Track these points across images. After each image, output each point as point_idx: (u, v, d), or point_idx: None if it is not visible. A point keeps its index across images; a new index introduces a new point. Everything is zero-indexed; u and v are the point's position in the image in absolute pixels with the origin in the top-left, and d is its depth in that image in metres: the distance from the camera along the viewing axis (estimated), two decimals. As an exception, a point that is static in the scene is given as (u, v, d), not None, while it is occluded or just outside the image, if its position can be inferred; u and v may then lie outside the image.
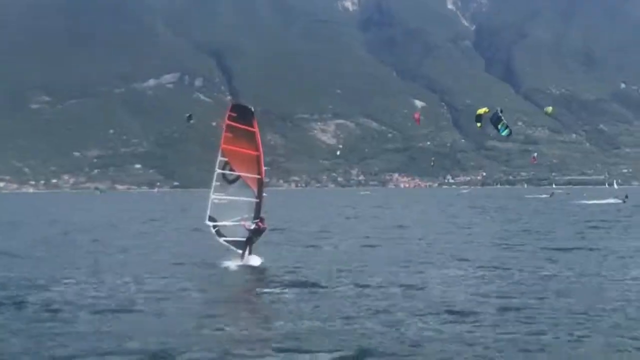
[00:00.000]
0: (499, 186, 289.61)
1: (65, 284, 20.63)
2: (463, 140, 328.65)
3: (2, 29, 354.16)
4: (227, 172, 24.76)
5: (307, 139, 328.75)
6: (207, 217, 24.71)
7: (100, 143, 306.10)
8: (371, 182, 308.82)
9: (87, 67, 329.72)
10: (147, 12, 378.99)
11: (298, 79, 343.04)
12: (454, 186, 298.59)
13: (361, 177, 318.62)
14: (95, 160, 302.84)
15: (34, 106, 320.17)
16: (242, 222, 24.61)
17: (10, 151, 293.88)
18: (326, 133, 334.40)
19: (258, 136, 24.93)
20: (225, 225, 24.97)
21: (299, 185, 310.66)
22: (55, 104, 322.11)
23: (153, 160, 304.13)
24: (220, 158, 24.64)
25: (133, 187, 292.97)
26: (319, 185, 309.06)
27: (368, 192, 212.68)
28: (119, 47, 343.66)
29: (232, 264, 24.63)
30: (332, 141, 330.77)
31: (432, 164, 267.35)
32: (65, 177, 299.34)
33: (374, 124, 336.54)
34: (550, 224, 48.16)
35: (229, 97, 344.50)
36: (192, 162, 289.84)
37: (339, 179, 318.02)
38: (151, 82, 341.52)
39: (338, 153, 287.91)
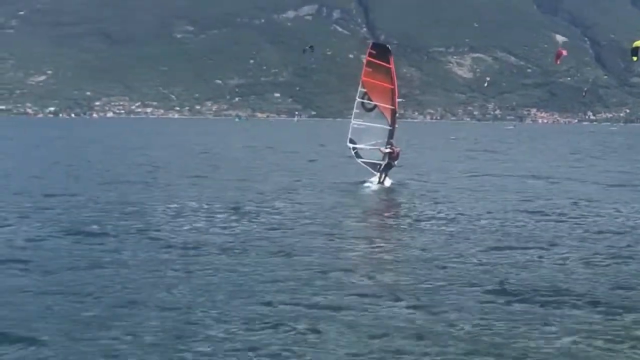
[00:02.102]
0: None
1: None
2: (605, 77, 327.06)
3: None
4: (365, 101, 30.23)
5: (443, 72, 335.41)
6: (348, 140, 30.34)
7: (240, 72, 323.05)
8: (508, 117, 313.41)
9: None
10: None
11: (434, 12, 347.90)
12: (594, 123, 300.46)
13: (497, 112, 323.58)
14: (236, 88, 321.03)
15: (179, 35, 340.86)
16: (383, 148, 29.35)
17: (156, 78, 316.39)
18: (462, 67, 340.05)
19: (393, 72, 30.56)
20: (362, 148, 30.13)
21: (434, 117, 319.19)
22: (198, 33, 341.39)
23: (291, 89, 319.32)
24: (360, 89, 30.18)
25: (272, 115, 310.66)
26: (454, 118, 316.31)
27: (512, 127, 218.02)
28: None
29: (372, 185, 28.96)
30: (468, 75, 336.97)
31: (583, 95, 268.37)
32: (208, 104, 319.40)
33: (512, 59, 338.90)
34: None
35: (364, 30, 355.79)
36: (329, 92, 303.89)
37: (475, 112, 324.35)
38: (290, 13, 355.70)
39: (486, 85, 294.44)
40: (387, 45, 32.55)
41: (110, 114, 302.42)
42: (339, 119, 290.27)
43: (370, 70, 30.19)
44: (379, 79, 30.24)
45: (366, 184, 29.07)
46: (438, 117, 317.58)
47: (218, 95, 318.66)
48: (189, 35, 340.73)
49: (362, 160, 30.35)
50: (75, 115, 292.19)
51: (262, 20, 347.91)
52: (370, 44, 32.21)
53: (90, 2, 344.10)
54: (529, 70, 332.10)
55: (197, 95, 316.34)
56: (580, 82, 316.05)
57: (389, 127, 30.29)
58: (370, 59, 30.24)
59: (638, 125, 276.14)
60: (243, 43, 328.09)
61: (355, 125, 30.03)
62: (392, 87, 30.49)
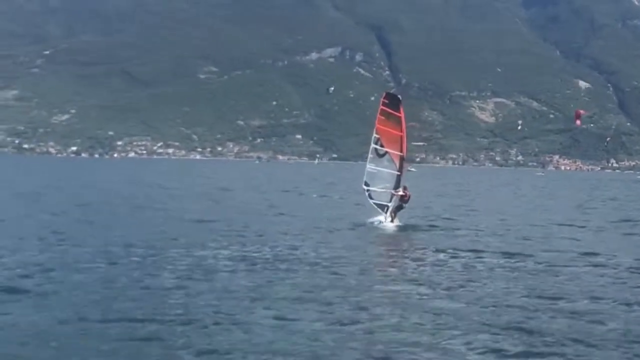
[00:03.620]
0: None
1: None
2: (629, 124, 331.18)
3: (172, 2, 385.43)
4: (378, 147, 33.55)
5: (465, 116, 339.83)
6: (364, 182, 34.39)
7: (263, 113, 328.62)
8: (530, 163, 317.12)
9: (252, 40, 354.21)
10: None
11: (457, 55, 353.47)
12: (617, 170, 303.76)
13: (520, 158, 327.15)
14: (258, 129, 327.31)
15: (202, 76, 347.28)
16: (395, 191, 33.14)
17: (178, 118, 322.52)
18: (484, 111, 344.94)
19: (403, 120, 33.30)
20: (375, 190, 33.80)
21: (456, 162, 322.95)
22: (221, 74, 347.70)
23: (313, 131, 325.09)
24: (374, 135, 33.73)
25: (294, 157, 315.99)
26: (476, 163, 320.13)
27: (542, 174, 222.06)
28: (282, 22, 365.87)
29: (382, 220, 33.38)
30: (491, 120, 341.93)
31: (605, 144, 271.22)
32: (230, 145, 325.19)
33: (535, 104, 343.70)
34: None
35: (387, 72, 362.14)
36: (350, 135, 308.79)
37: (497, 158, 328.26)
38: (313, 55, 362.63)
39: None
40: (399, 96, 35.59)
41: (132, 154, 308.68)
42: (360, 162, 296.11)
43: (383, 118, 33.75)
44: (391, 126, 33.64)
45: (374, 222, 33.60)
46: (460, 162, 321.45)
47: (240, 137, 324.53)
48: (212, 76, 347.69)
49: (373, 201, 34.15)
50: (98, 155, 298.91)
51: (285, 62, 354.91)
52: (384, 94, 35.88)
53: (113, 42, 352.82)
54: (551, 116, 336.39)
55: (219, 136, 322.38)
56: (603, 129, 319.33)
57: (397, 173, 33.46)
58: (384, 107, 33.80)
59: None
60: (266, 84, 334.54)
61: (369, 169, 34.01)
62: (402, 134, 33.55)
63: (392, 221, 33.38)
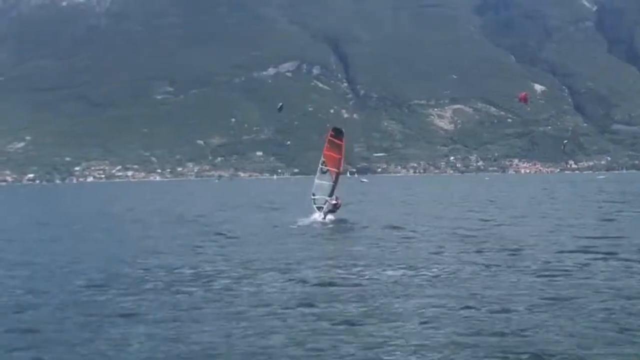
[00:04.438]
0: (624, 171, 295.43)
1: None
2: (586, 125, 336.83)
3: (125, 22, 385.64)
4: (323, 166, 43.69)
5: (424, 124, 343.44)
6: (312, 193, 44.29)
7: (222, 131, 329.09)
8: (490, 168, 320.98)
9: (208, 58, 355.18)
10: (264, 2, 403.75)
11: (413, 64, 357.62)
12: (577, 171, 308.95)
13: (480, 163, 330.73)
14: (218, 148, 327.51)
15: (158, 97, 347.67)
16: (330, 199, 43.22)
17: (137, 141, 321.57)
18: (443, 119, 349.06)
19: (343, 147, 43.79)
20: (317, 198, 43.85)
21: (417, 171, 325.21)
22: (177, 94, 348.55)
23: (274, 147, 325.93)
24: (322, 158, 43.90)
25: (255, 174, 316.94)
26: (437, 171, 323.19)
27: (487, 178, 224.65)
28: (238, 38, 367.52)
29: (317, 218, 42.69)
30: (450, 127, 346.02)
31: (563, 147, 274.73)
32: (190, 165, 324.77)
33: (492, 109, 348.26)
34: None
35: (345, 84, 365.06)
36: (311, 149, 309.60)
37: (458, 164, 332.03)
38: (270, 70, 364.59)
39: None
40: (342, 129, 45.31)
41: (90, 179, 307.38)
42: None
43: (329, 146, 43.89)
44: (333, 152, 43.86)
45: (312, 218, 42.69)
46: (421, 171, 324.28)
47: (200, 156, 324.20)
48: (168, 96, 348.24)
49: (316, 205, 43.71)
50: (59, 181, 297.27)
51: (242, 78, 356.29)
52: (331, 128, 45.93)
53: (67, 66, 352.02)
54: (509, 121, 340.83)
55: (178, 156, 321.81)
56: (561, 131, 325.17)
57: (332, 184, 43.29)
58: (330, 138, 43.96)
59: (625, 173, 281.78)
60: (223, 102, 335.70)
61: (316, 182, 43.83)
62: (340, 157, 43.85)
63: (324, 219, 42.69)
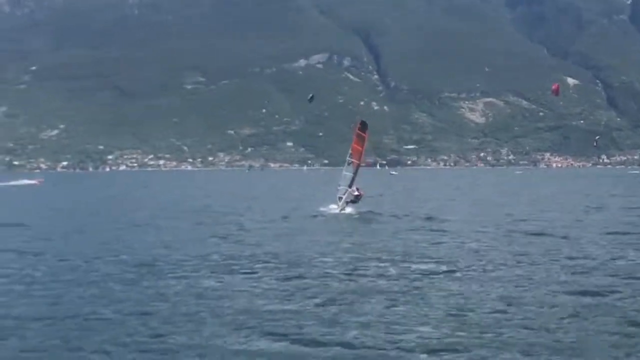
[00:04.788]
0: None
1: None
2: (619, 119, 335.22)
3: (158, 12, 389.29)
4: (349, 158, 44.97)
5: (455, 117, 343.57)
6: (339, 183, 45.66)
7: (252, 122, 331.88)
8: (521, 162, 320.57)
9: (239, 49, 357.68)
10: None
11: (445, 57, 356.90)
12: (608, 166, 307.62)
13: (511, 157, 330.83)
14: (248, 138, 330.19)
15: (189, 87, 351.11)
16: (350, 190, 44.32)
17: (169, 130, 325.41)
18: (474, 112, 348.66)
19: (366, 140, 44.75)
20: (340, 188, 45.10)
21: (448, 164, 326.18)
22: (209, 84, 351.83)
23: (304, 138, 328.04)
24: (350, 152, 44.93)
25: (285, 164, 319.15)
26: (467, 164, 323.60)
27: (520, 172, 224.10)
28: (269, 29, 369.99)
29: (336, 207, 44.35)
30: (481, 120, 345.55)
31: (595, 142, 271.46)
32: (221, 154, 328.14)
33: (524, 103, 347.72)
34: None
35: (376, 77, 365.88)
36: (341, 141, 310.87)
37: (489, 158, 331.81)
38: (301, 62, 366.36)
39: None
40: (366, 122, 46.45)
41: (122, 167, 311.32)
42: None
43: (356, 139, 45.25)
44: (357, 143, 45.07)
45: (330, 208, 44.70)
46: (452, 164, 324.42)
47: (231, 146, 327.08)
48: (200, 87, 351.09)
49: (338, 195, 45.16)
50: (82, 170, 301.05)
51: (274, 69, 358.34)
52: (359, 121, 46.87)
53: (100, 56, 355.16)
54: (541, 114, 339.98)
55: (209, 146, 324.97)
56: (593, 125, 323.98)
57: (352, 175, 44.45)
58: (358, 131, 45.43)
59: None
60: (255, 92, 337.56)
61: (344, 174, 45.03)
62: (362, 149, 44.86)
63: (343, 210, 44.16)
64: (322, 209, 45.34)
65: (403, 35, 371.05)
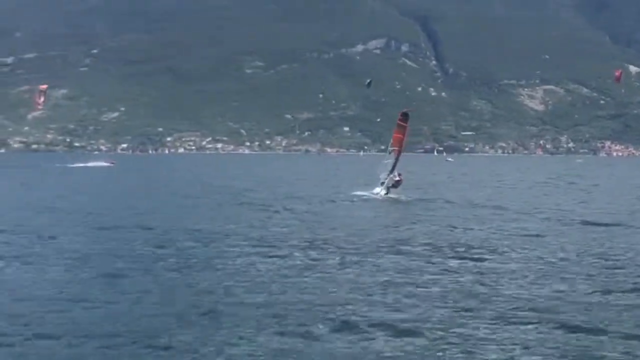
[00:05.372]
0: None
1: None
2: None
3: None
4: (390, 147, 49.53)
5: (514, 104, 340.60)
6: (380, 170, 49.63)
7: (310, 107, 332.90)
8: (581, 150, 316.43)
9: (297, 33, 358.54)
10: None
11: (504, 44, 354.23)
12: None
13: (571, 145, 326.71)
14: (305, 123, 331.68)
15: (248, 71, 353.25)
16: (392, 175, 48.49)
17: (227, 113, 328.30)
18: (534, 99, 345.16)
19: (407, 129, 48.94)
20: (382, 175, 49.12)
21: (506, 151, 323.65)
22: (267, 68, 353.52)
23: (361, 123, 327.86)
24: (391, 141, 49.48)
25: (342, 149, 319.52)
26: (526, 152, 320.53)
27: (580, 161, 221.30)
28: (327, 14, 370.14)
29: (381, 192, 48.26)
30: (540, 107, 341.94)
31: None
32: (278, 139, 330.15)
33: (585, 90, 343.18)
34: None
35: (434, 63, 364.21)
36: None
37: (547, 145, 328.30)
38: (359, 47, 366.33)
39: None
40: (408, 112, 51.28)
41: (181, 150, 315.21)
42: (409, 153, 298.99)
43: (397, 129, 49.68)
44: (399, 133, 49.32)
45: (375, 192, 48.88)
46: (510, 151, 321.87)
47: (288, 130, 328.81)
48: (258, 71, 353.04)
49: (381, 181, 49.21)
50: (141, 152, 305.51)
51: (331, 55, 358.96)
52: (401, 112, 51.64)
53: (159, 40, 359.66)
54: (602, 102, 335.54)
55: (267, 130, 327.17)
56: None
57: (394, 162, 48.49)
58: (399, 122, 49.79)
59: None
60: (312, 77, 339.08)
61: (385, 161, 49.34)
62: (403, 137, 49.08)
63: (386, 194, 48.30)
64: (366, 193, 49.69)
65: (461, 21, 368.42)
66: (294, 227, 30.28)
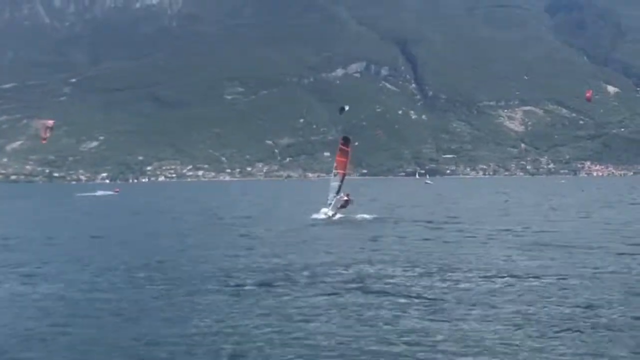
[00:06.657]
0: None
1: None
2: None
3: (196, 23, 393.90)
4: (335, 170, 51.48)
5: (494, 126, 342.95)
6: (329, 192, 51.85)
7: (291, 132, 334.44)
8: (561, 171, 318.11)
9: (277, 58, 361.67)
10: (333, 2, 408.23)
11: (483, 65, 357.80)
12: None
13: (551, 166, 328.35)
14: (286, 148, 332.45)
15: (229, 97, 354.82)
16: (338, 196, 50.59)
17: (207, 141, 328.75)
18: (513, 120, 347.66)
19: (349, 153, 50.78)
20: (329, 196, 51.20)
21: (487, 173, 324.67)
22: (248, 94, 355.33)
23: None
24: (335, 164, 51.69)
25: (322, 174, 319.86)
26: (507, 173, 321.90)
27: (563, 182, 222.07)
28: (307, 39, 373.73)
29: (329, 213, 50.28)
30: (520, 128, 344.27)
31: None
32: (259, 165, 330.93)
33: (564, 111, 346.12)
34: None
35: (413, 86, 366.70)
36: (379, 150, 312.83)
37: (528, 167, 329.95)
38: (339, 71, 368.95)
39: None
40: (349, 137, 53.36)
41: (161, 178, 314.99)
42: (390, 177, 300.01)
43: (339, 153, 51.83)
44: (342, 156, 51.51)
45: (323, 212, 50.84)
46: (491, 173, 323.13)
47: (269, 156, 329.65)
48: (239, 97, 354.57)
49: (328, 202, 51.32)
50: (121, 181, 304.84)
51: (311, 79, 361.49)
52: (342, 136, 55.28)
53: (139, 67, 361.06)
54: (581, 122, 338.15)
55: (247, 156, 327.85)
56: (635, 133, 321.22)
57: (339, 184, 50.83)
58: (341, 146, 51.98)
59: None
60: (292, 102, 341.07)
61: (331, 184, 51.46)
62: (346, 160, 51.28)
63: (333, 215, 50.15)
64: (314, 215, 51.13)
65: (441, 44, 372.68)
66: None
